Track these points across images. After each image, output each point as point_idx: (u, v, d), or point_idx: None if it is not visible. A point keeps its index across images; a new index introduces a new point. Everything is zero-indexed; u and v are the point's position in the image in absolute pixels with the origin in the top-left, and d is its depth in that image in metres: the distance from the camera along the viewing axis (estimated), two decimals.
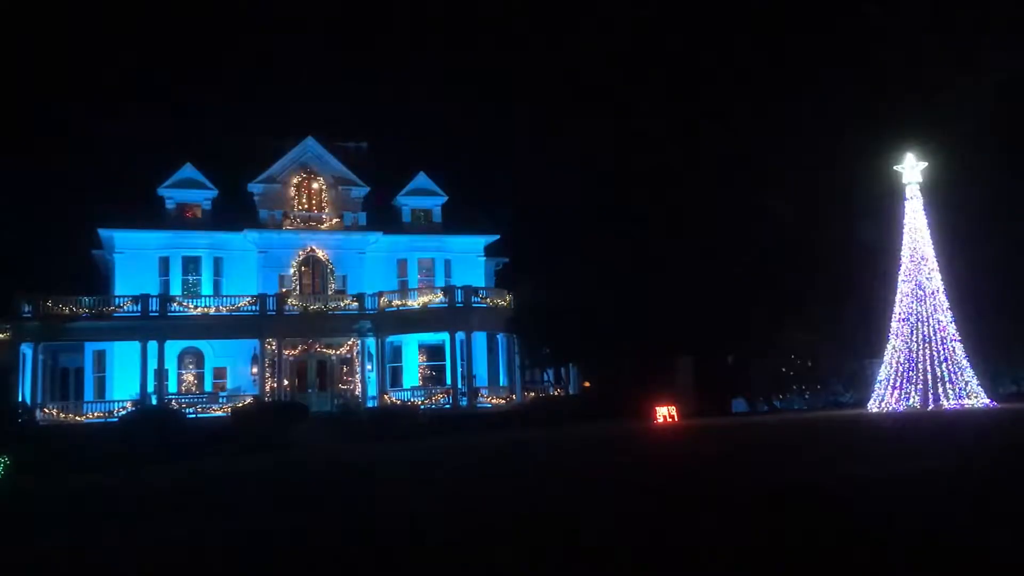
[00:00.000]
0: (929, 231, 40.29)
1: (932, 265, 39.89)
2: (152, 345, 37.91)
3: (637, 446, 25.74)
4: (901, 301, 39.96)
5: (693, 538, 9.70)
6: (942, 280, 39.79)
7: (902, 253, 40.35)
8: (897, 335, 39.81)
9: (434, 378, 41.84)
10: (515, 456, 24.04)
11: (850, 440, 23.95)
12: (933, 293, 39.44)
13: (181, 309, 39.16)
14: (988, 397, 38.98)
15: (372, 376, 40.92)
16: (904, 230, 40.74)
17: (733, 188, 51.46)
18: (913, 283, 39.95)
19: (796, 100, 57.13)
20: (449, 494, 15.57)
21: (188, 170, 42.61)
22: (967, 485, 12.84)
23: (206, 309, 39.45)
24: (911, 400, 39.31)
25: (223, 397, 39.47)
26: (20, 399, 36.99)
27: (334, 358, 41.67)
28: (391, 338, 41.21)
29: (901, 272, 40.32)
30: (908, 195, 40.77)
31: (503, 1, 79.94)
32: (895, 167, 40.18)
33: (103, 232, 41.13)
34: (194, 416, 36.96)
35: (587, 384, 46.13)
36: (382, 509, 14.03)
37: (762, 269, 46.39)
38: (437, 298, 40.71)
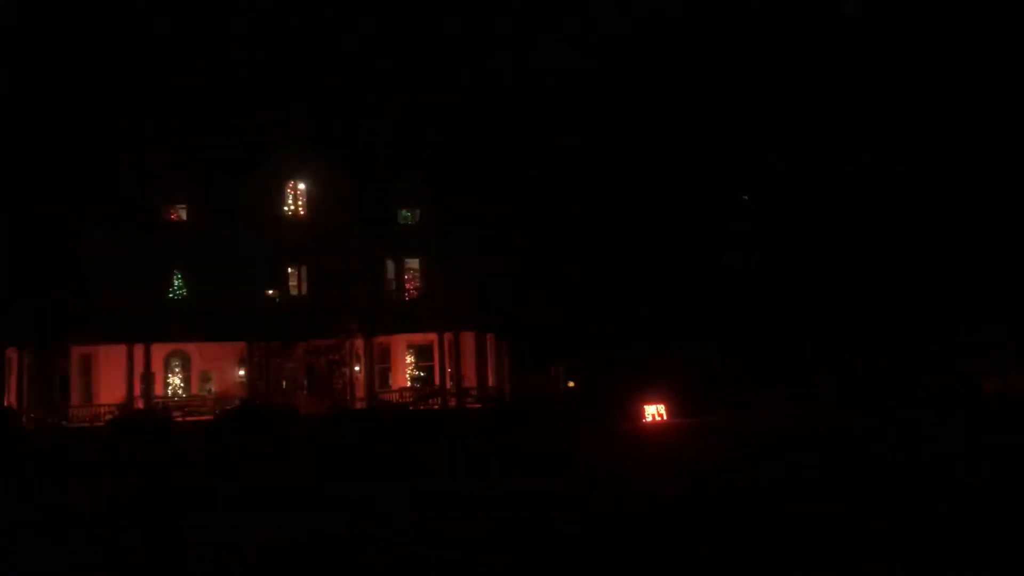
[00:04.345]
0: None
1: None
2: (139, 349, 37.62)
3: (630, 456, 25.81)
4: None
5: None
6: None
7: None
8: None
9: (423, 379, 41.76)
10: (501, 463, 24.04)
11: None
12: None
13: (168, 312, 38.90)
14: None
15: (361, 378, 40.78)
16: None
17: (718, 180, 51.52)
18: None
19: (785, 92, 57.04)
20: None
21: (174, 172, 42.38)
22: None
23: (193, 312, 39.21)
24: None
25: (211, 401, 39.24)
26: (6, 404, 36.68)
27: (323, 360, 41.48)
28: (380, 339, 41.08)
29: None
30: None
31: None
32: None
33: (89, 235, 40.80)
34: (182, 420, 36.73)
35: (571, 384, 46.25)
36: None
37: (748, 265, 46.64)
38: (425, 298, 40.65)
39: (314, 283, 42.74)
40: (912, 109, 47.55)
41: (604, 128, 48.62)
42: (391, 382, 41.57)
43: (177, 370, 40.69)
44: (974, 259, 43.44)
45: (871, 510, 12.38)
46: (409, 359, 42.57)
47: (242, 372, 40.09)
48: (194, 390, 40.53)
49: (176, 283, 41.59)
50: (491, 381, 42.21)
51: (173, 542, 12.71)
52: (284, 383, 41.20)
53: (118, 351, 37.92)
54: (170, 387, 40.35)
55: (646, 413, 40.27)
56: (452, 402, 39.24)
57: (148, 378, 37.91)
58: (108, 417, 35.98)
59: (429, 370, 41.23)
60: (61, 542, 13.34)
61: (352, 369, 40.82)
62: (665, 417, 39.90)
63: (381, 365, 41.46)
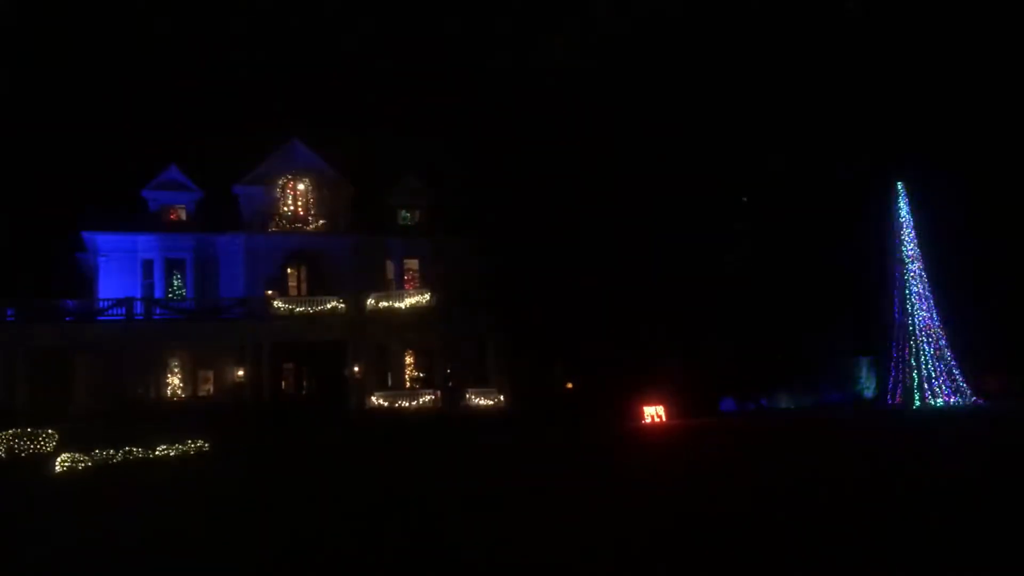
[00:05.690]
0: (914, 231, 40.66)
1: (918, 264, 40.24)
2: (139, 349, 37.55)
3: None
4: (888, 298, 40.32)
5: None
6: (928, 279, 40.16)
7: (888, 251, 40.65)
8: (886, 334, 40.15)
9: (422, 379, 41.68)
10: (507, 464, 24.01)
11: None
12: (920, 292, 39.80)
13: (166, 312, 38.84)
14: (975, 395, 39.39)
15: (361, 378, 40.72)
16: (891, 229, 41.04)
17: (718, 181, 51.43)
18: (901, 281, 40.29)
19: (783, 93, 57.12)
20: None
21: (172, 172, 42.42)
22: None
23: (191, 312, 39.17)
24: (896, 398, 39.64)
25: (210, 401, 39.19)
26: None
27: (321, 360, 41.42)
28: (380, 340, 41.02)
29: (888, 270, 40.65)
30: (896, 193, 41.08)
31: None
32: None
33: (86, 235, 40.79)
34: (183, 420, 36.63)
35: (570, 385, 46.19)
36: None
37: (748, 265, 46.60)
38: (425, 299, 40.58)
39: (313, 283, 42.72)
40: (912, 109, 47.56)
41: (604, 128, 48.52)
42: (390, 382, 41.53)
43: (176, 370, 40.64)
44: (973, 258, 43.42)
45: (871, 510, 12.34)
46: (408, 359, 42.55)
47: (241, 372, 40.04)
48: (193, 390, 40.48)
49: (176, 283, 41.58)
50: (490, 382, 42.15)
51: (170, 542, 12.68)
52: (283, 383, 41.16)
53: (118, 351, 37.85)
54: (169, 387, 40.30)
55: (645, 415, 40.23)
56: (452, 402, 39.16)
57: (147, 378, 37.87)
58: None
59: (428, 370, 41.18)
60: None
61: (351, 369, 40.79)
62: (664, 419, 39.85)
63: (380, 365, 41.43)
